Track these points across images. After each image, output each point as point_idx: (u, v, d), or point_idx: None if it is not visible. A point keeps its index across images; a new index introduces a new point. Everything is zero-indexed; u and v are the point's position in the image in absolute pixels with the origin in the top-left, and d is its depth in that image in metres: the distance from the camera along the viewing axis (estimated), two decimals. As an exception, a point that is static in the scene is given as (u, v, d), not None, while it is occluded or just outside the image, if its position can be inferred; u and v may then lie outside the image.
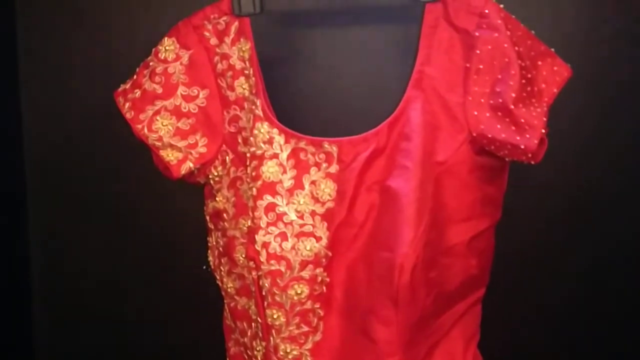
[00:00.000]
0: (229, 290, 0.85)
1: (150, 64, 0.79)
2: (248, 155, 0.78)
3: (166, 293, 1.08)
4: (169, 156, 0.79)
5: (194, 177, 0.83)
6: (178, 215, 1.02)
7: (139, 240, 1.06)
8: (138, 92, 0.79)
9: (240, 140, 0.80)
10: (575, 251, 1.00)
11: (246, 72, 0.78)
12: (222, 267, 0.84)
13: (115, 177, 1.04)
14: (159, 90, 0.78)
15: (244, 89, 0.78)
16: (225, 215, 0.82)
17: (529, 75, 0.74)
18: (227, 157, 0.80)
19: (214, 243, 0.86)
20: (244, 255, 0.80)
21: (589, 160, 0.97)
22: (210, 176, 0.82)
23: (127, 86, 0.81)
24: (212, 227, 0.85)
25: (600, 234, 1.00)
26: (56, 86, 1.01)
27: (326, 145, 0.76)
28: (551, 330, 1.02)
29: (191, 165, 0.79)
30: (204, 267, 0.88)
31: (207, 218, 0.86)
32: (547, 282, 1.01)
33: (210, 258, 0.87)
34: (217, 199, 0.82)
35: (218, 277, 0.86)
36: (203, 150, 0.80)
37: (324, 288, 0.78)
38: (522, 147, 0.71)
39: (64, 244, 1.06)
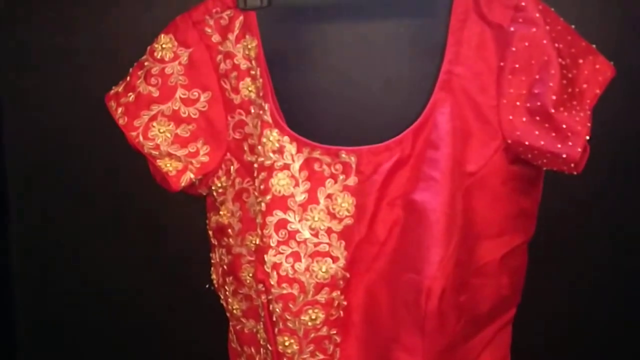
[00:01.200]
0: (234, 312, 0.81)
1: (145, 64, 0.74)
2: (255, 165, 0.73)
3: (166, 309, 1.02)
4: (167, 166, 0.74)
5: (195, 188, 0.78)
6: (178, 224, 0.97)
7: (133, 253, 1.00)
8: (132, 96, 0.74)
9: (246, 148, 0.75)
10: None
11: (252, 72, 0.73)
12: (226, 287, 0.80)
13: (104, 183, 0.98)
14: (155, 94, 0.73)
15: (250, 91, 0.73)
16: (230, 230, 0.77)
17: (570, 75, 0.69)
18: (232, 167, 0.76)
19: (218, 260, 0.81)
20: (251, 275, 0.76)
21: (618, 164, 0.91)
22: (213, 187, 0.77)
23: (120, 89, 0.75)
24: (216, 243, 0.81)
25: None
26: (40, 87, 0.95)
27: (343, 155, 0.71)
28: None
29: (192, 176, 0.74)
30: (207, 286, 0.84)
31: (210, 233, 0.81)
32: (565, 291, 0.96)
33: (214, 276, 0.83)
34: (220, 212, 0.78)
35: (222, 297, 0.82)
36: (205, 159, 0.75)
37: (341, 312, 0.73)
38: (564, 156, 0.66)
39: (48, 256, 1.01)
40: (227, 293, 0.80)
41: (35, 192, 0.97)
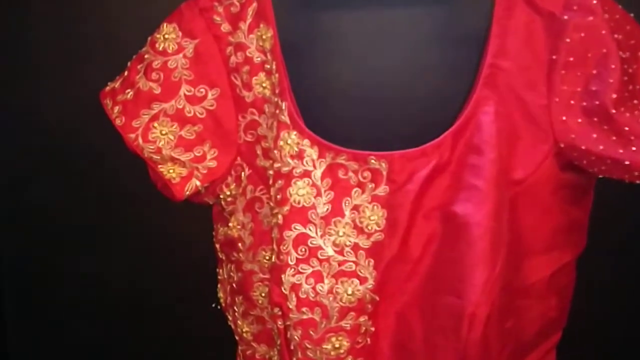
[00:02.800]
0: (244, 335, 0.76)
1: (145, 57, 0.69)
2: (271, 172, 0.69)
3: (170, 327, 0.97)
4: (170, 172, 0.70)
5: (201, 197, 0.73)
6: (182, 233, 0.91)
7: (131, 266, 0.95)
8: (130, 93, 0.69)
9: (259, 152, 0.70)
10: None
11: (267, 66, 0.68)
12: (235, 308, 0.76)
13: (98, 185, 0.92)
14: (157, 90, 0.69)
15: (264, 87, 0.69)
16: (240, 244, 0.72)
17: (630, 70, 0.63)
18: (243, 173, 0.71)
19: (225, 277, 0.77)
20: (264, 295, 0.72)
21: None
22: (222, 196, 0.73)
23: (117, 85, 0.71)
24: (223, 257, 0.76)
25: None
26: (28, 83, 0.88)
27: (373, 161, 0.66)
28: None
29: (198, 183, 0.70)
30: (213, 305, 0.80)
31: (217, 246, 0.77)
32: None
33: (221, 295, 0.79)
34: (230, 224, 0.73)
35: (230, 318, 0.78)
36: (212, 164, 0.70)
37: (368, 340, 0.69)
38: (627, 163, 0.61)
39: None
40: (236, 314, 0.76)
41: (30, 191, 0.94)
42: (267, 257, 0.71)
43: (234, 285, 0.75)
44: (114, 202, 0.92)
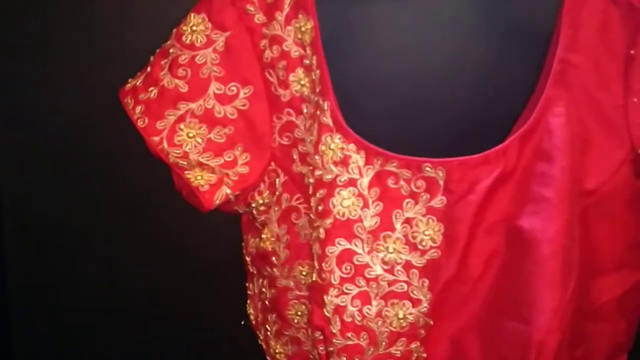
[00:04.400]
0: (277, 356, 0.73)
1: (171, 51, 0.66)
2: (311, 180, 0.65)
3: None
4: (198, 179, 0.66)
5: (230, 205, 0.69)
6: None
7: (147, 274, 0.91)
8: (154, 91, 0.66)
9: (296, 156, 0.67)
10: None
11: (306, 61, 0.65)
12: (268, 326, 0.72)
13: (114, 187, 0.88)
14: (184, 89, 0.66)
15: (302, 85, 0.65)
16: (274, 258, 0.69)
17: None
18: (278, 180, 0.68)
19: (257, 292, 0.74)
20: (299, 314, 0.69)
21: None
22: (254, 204, 0.69)
23: (138, 82, 0.68)
24: (255, 271, 0.73)
25: None
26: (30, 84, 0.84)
27: (428, 169, 0.62)
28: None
29: (228, 191, 0.66)
30: (242, 323, 0.77)
31: (247, 259, 0.73)
32: None
33: (251, 311, 0.76)
34: (263, 236, 0.69)
35: (261, 338, 0.75)
36: (244, 170, 0.67)
37: None
38: None
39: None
40: (268, 333, 0.72)
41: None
42: (305, 273, 0.67)
43: (267, 302, 0.71)
44: (125, 203, 0.89)
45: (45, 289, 0.94)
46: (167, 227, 0.88)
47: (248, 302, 0.75)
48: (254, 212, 0.69)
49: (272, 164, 0.68)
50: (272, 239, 0.69)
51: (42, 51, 0.83)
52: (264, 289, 0.72)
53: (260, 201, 0.69)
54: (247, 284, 0.75)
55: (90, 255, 0.92)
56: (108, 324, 0.94)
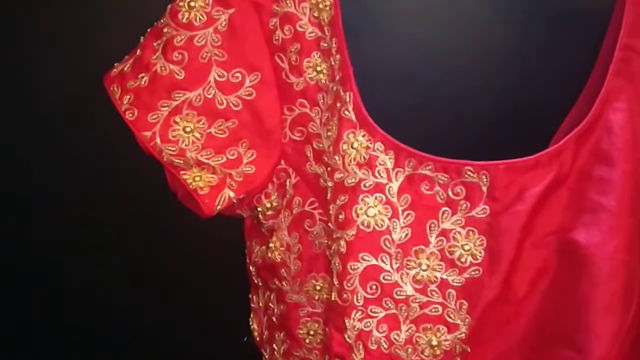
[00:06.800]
0: None
1: (164, 31, 0.62)
2: (329, 183, 0.60)
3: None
4: (196, 181, 0.62)
5: (233, 208, 0.65)
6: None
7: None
8: (145, 78, 0.62)
9: (309, 154, 0.63)
10: None
11: (324, 44, 0.60)
12: (275, 345, 0.69)
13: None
14: (180, 75, 0.62)
15: (318, 72, 0.61)
16: (283, 271, 0.65)
17: None
18: (288, 181, 0.64)
19: (261, 306, 0.71)
20: (312, 333, 0.66)
21: None
22: (260, 209, 0.65)
23: (126, 67, 0.64)
24: (260, 283, 0.70)
25: None
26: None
27: (469, 173, 0.58)
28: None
29: (231, 194, 0.62)
30: (245, 339, 0.74)
31: (252, 269, 0.70)
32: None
33: (255, 327, 0.73)
34: (270, 244, 0.66)
35: (267, 356, 0.72)
36: (249, 170, 0.63)
37: None
38: None
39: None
40: (275, 353, 0.70)
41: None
42: (319, 287, 0.65)
43: (274, 318, 0.68)
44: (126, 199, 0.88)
45: (44, 288, 0.92)
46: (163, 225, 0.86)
47: (251, 315, 0.73)
48: (261, 216, 0.66)
49: (282, 162, 0.64)
50: (282, 248, 0.65)
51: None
52: (270, 304, 0.68)
53: (268, 205, 0.65)
54: (250, 296, 0.72)
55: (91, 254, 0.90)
56: (108, 324, 0.92)
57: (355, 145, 0.59)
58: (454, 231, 0.59)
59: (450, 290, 0.59)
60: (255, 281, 0.70)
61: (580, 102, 0.61)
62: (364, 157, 0.59)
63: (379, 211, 0.59)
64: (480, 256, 0.59)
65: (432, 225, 0.59)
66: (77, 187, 0.88)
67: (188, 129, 0.62)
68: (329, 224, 0.61)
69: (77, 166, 0.88)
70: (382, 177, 0.59)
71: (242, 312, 0.76)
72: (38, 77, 0.84)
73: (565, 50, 0.64)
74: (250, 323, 0.72)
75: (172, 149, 0.61)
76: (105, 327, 0.94)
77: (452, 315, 0.59)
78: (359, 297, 0.59)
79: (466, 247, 0.59)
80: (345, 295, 0.59)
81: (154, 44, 0.62)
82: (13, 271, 0.93)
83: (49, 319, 0.95)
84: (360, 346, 0.59)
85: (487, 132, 0.66)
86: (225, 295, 0.87)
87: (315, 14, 0.60)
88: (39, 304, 0.94)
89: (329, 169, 0.61)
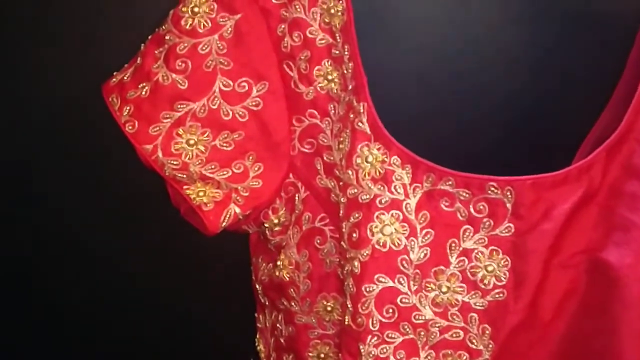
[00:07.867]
0: None
1: (167, 38, 0.60)
2: (342, 199, 0.58)
3: None
4: (200, 196, 0.60)
5: (239, 224, 0.63)
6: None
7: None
8: (146, 88, 0.60)
9: (320, 167, 0.61)
10: None
11: (336, 52, 0.58)
12: None
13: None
14: (183, 85, 0.60)
15: (329, 81, 0.59)
16: (292, 290, 0.63)
17: None
18: (297, 196, 0.62)
19: (269, 327, 0.68)
20: (322, 356, 0.65)
21: None
22: (267, 224, 0.63)
23: (126, 77, 0.62)
24: (267, 302, 0.67)
25: None
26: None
27: (492, 189, 0.55)
28: None
29: (237, 210, 0.60)
30: None
31: (258, 287, 0.68)
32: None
33: (261, 347, 0.71)
34: (278, 263, 0.64)
35: None
36: (256, 184, 0.61)
37: None
38: None
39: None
40: None
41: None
42: (330, 308, 0.63)
43: (282, 340, 0.66)
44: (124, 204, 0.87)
45: (44, 287, 0.92)
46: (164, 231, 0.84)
47: (257, 336, 0.70)
48: (268, 232, 0.63)
49: (291, 176, 0.62)
50: (290, 267, 0.63)
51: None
52: (278, 325, 0.66)
53: (276, 220, 0.63)
54: (256, 315, 0.70)
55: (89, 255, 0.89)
56: (107, 328, 0.92)
57: (370, 159, 0.57)
58: (476, 251, 0.57)
59: (472, 314, 0.57)
60: (262, 300, 0.67)
61: (608, 110, 0.59)
62: (379, 172, 0.57)
63: (395, 229, 0.57)
64: (504, 278, 0.56)
65: (453, 245, 0.57)
66: (77, 187, 0.87)
67: (191, 142, 0.60)
68: (342, 243, 0.59)
69: (77, 167, 0.87)
70: (398, 193, 0.57)
71: (247, 331, 0.74)
72: (38, 78, 0.82)
73: (592, 55, 0.62)
74: (257, 344, 0.70)
75: (175, 162, 0.60)
76: (106, 335, 0.93)
77: (474, 341, 0.57)
78: (374, 322, 0.57)
79: (489, 268, 0.56)
80: (359, 320, 0.56)
81: (156, 52, 0.60)
82: (13, 271, 0.91)
83: (49, 319, 0.94)
84: None
85: (504, 142, 0.64)
86: (229, 312, 0.85)
87: (327, 20, 0.58)
88: (39, 304, 0.93)
89: (341, 183, 0.59)
